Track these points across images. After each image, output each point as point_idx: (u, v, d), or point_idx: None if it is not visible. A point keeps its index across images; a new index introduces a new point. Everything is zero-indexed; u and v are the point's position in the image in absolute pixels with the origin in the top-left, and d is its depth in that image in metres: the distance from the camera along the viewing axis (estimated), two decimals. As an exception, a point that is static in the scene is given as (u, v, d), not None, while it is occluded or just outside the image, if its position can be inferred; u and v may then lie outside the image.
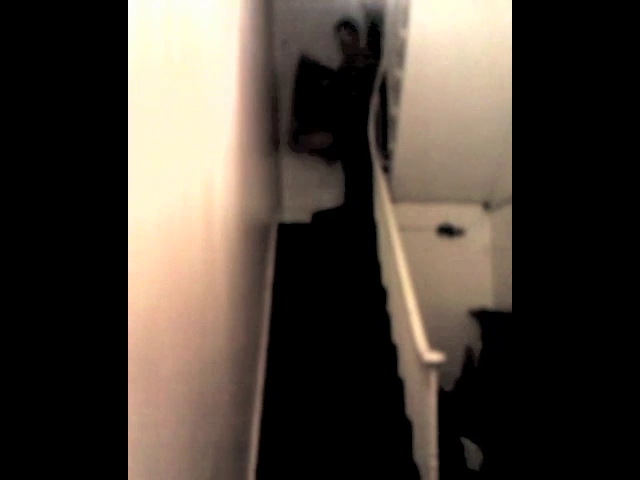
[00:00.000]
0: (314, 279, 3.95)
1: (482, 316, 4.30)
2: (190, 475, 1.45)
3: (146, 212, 1.09)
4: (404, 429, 2.94)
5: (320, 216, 4.76)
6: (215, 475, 1.77)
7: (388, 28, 4.68)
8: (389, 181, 4.39)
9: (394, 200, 4.24)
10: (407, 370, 3.11)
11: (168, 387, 1.26)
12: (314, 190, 5.01)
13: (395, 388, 3.20)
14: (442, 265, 4.45)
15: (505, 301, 4.15)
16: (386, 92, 4.71)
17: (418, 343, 2.66)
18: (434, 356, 2.53)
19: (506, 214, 4.16)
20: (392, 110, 4.38)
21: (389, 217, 3.84)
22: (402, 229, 3.77)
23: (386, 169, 4.48)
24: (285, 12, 5.31)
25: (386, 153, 4.59)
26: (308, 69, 5.21)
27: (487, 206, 4.51)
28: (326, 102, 5.14)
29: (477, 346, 4.26)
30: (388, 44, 4.69)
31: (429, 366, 2.54)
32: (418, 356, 2.64)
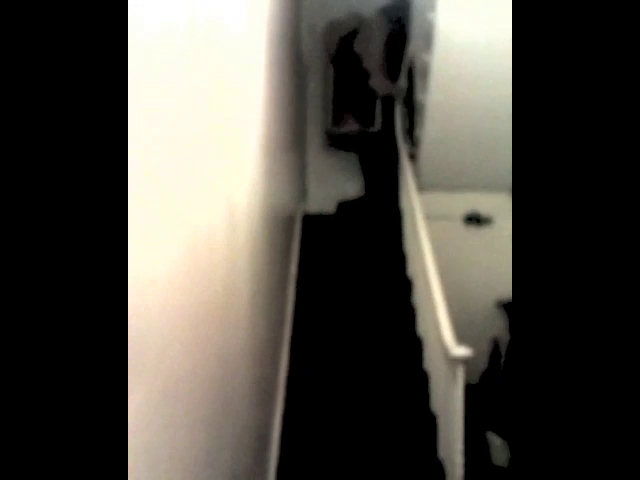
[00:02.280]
0: (338, 270, 3.89)
1: (509, 308, 4.19)
2: (207, 475, 1.41)
3: (165, 212, 1.04)
4: (429, 424, 2.88)
5: (345, 206, 4.69)
6: (234, 474, 1.74)
7: (416, 12, 4.56)
8: (415, 169, 4.29)
9: (420, 188, 4.14)
10: (433, 364, 3.04)
11: (186, 387, 1.22)
12: (339, 180, 4.93)
13: (420, 381, 3.14)
14: (469, 254, 4.35)
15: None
16: (413, 77, 4.60)
17: (445, 337, 2.58)
18: (461, 351, 2.45)
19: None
20: (419, 96, 4.27)
21: (415, 206, 3.76)
22: (428, 218, 3.69)
23: (412, 156, 4.38)
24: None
25: (412, 140, 4.49)
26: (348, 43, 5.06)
27: (516, 194, 4.39)
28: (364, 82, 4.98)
29: (504, 338, 4.16)
30: (415, 28, 4.57)
31: (456, 361, 2.46)
32: (445, 350, 2.57)
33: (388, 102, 4.75)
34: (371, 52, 4.82)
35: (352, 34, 4.89)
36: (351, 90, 4.93)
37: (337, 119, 4.91)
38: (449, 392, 2.57)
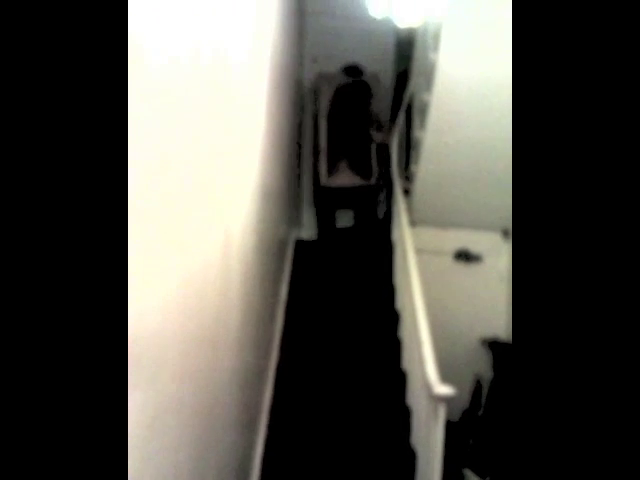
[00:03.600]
0: (328, 298, 3.93)
1: (494, 346, 4.24)
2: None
3: (159, 229, 1.08)
4: (408, 459, 2.90)
5: (337, 233, 4.74)
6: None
7: (418, 50, 4.67)
8: (409, 203, 4.36)
9: (413, 223, 4.21)
10: (415, 399, 3.07)
11: (174, 410, 1.25)
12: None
13: (402, 416, 3.16)
14: (457, 291, 4.40)
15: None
16: (411, 114, 4.70)
17: (429, 374, 2.62)
18: (444, 389, 2.49)
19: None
20: (417, 133, 4.36)
21: (407, 240, 3.81)
22: (419, 252, 3.74)
23: (406, 191, 4.46)
24: (317, 30, 5.33)
25: (407, 175, 4.57)
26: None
27: (506, 234, 4.46)
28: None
29: (487, 376, 4.20)
30: (417, 66, 4.68)
31: (438, 399, 2.50)
32: (428, 387, 2.60)
33: (383, 150, 4.78)
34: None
35: (348, 86, 4.84)
36: (347, 141, 4.83)
37: (331, 169, 4.71)
38: (430, 429, 2.60)
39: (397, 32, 5.64)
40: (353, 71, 4.97)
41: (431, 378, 2.59)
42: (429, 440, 2.60)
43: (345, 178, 4.71)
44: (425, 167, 4.20)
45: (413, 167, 4.39)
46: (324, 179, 4.68)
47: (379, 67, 5.43)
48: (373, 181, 4.72)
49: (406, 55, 5.22)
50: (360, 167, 4.78)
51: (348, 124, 4.86)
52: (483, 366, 4.24)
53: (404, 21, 4.63)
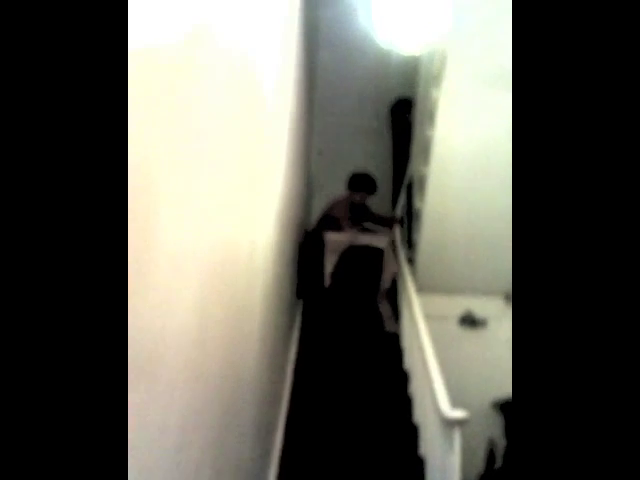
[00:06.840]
0: (336, 360, 3.94)
1: (505, 408, 4.19)
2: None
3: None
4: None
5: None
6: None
7: (416, 129, 5.04)
8: (413, 271, 4.51)
9: (417, 290, 4.32)
10: (428, 444, 3.03)
11: (192, 434, 1.22)
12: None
13: (415, 466, 3.10)
14: (464, 356, 4.42)
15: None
16: (412, 191, 4.98)
17: (440, 402, 2.63)
18: (458, 413, 2.50)
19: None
20: (417, 204, 4.61)
21: (414, 305, 3.88)
22: (425, 318, 3.80)
23: (410, 260, 4.62)
24: (322, 126, 5.79)
25: (410, 244, 4.76)
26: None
27: (509, 297, 4.56)
28: None
29: (501, 439, 4.11)
30: (415, 146, 5.03)
31: (452, 424, 2.50)
32: (440, 415, 2.61)
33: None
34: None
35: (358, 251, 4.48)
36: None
37: None
38: (446, 460, 2.57)
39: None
40: (363, 182, 4.69)
41: (442, 405, 2.60)
42: (446, 473, 2.56)
43: None
44: (426, 235, 4.40)
45: (415, 236, 4.59)
46: None
47: (377, 160, 5.87)
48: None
49: (405, 147, 5.61)
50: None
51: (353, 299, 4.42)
52: (496, 430, 4.16)
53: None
